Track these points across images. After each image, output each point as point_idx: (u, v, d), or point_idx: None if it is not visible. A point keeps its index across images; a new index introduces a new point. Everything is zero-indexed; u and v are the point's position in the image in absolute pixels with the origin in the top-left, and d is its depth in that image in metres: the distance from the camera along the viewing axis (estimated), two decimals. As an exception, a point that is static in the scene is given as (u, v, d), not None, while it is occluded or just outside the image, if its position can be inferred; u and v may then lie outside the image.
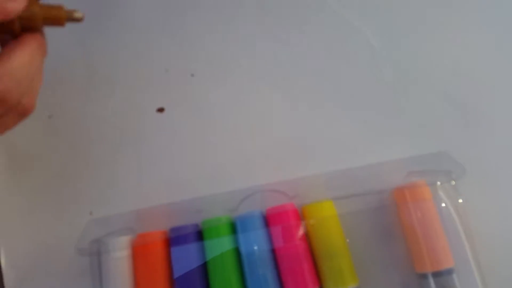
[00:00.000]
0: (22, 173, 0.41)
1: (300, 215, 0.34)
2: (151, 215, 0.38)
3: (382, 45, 0.40)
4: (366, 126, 0.38)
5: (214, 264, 0.33)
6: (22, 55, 0.28)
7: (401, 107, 0.39)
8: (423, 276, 0.31)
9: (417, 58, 0.40)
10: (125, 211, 0.38)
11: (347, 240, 0.33)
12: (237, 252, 0.33)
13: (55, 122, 0.41)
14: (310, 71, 0.40)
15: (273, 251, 0.33)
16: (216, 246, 0.33)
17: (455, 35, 0.40)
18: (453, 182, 0.33)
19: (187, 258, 0.33)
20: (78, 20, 0.31)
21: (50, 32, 0.31)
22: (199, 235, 0.35)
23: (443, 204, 0.33)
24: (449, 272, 0.31)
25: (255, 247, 0.33)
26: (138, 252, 0.34)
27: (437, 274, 0.31)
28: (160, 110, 0.41)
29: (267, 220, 0.34)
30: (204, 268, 0.34)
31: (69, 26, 0.30)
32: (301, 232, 0.33)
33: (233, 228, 0.34)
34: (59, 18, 0.30)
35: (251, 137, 0.39)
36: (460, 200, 0.33)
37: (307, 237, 0.34)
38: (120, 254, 0.34)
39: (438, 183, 0.33)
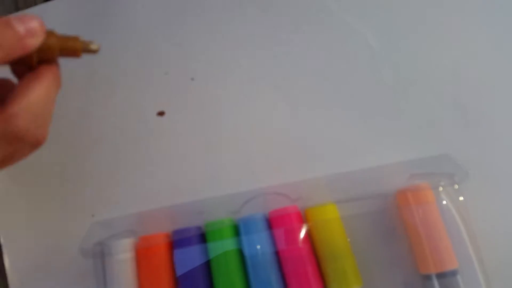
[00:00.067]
0: (24, 175, 0.40)
1: (303, 218, 0.35)
2: (153, 217, 0.38)
3: (381, 46, 0.40)
4: (366, 127, 0.38)
5: (217, 266, 0.33)
6: (39, 89, 0.28)
7: (401, 108, 0.39)
8: (427, 277, 0.31)
9: (416, 59, 0.39)
10: (127, 213, 0.38)
11: (350, 242, 0.34)
12: (241, 254, 0.34)
13: (55, 122, 0.41)
14: (310, 71, 0.40)
15: (277, 254, 0.33)
16: (220, 248, 0.33)
17: (455, 35, 0.40)
18: (456, 186, 0.34)
19: (190, 260, 0.34)
20: (94, 51, 0.31)
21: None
22: (202, 237, 0.35)
23: (446, 206, 0.33)
24: (453, 273, 0.31)
25: (259, 250, 0.33)
26: (142, 254, 0.34)
27: (441, 275, 0.31)
28: (161, 113, 0.40)
29: (270, 223, 0.34)
30: (207, 270, 0.34)
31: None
32: (304, 234, 0.33)
33: (236, 230, 0.34)
34: (75, 49, 0.30)
35: (251, 139, 0.39)
36: (462, 199, 0.34)
37: (310, 239, 0.34)
38: (124, 256, 0.34)
39: (441, 188, 0.33)
